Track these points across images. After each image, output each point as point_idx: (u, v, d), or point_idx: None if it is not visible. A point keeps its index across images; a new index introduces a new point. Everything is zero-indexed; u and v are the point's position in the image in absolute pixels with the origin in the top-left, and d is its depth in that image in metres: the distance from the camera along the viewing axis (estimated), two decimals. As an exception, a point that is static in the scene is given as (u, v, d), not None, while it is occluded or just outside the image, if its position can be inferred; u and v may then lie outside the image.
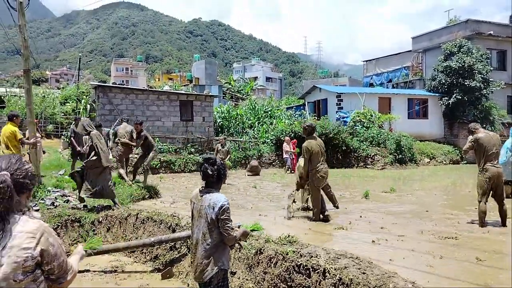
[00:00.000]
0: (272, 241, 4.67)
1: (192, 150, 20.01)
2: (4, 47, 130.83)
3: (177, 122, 21.08)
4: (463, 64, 25.23)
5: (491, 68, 26.28)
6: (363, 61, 40.46)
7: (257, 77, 76.86)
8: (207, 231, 3.09)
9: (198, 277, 3.15)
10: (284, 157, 18.20)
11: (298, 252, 4.15)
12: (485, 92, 25.62)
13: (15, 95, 28.91)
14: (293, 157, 17.60)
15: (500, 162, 6.60)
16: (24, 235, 1.80)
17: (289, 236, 4.65)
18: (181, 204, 8.80)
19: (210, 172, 3.16)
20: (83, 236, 7.23)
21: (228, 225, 3.09)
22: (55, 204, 7.98)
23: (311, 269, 3.89)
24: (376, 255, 4.79)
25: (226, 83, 51.33)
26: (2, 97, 28.46)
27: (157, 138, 19.88)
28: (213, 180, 3.19)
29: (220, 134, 23.05)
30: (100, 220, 7.40)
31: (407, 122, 25.84)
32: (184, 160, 18.81)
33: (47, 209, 7.63)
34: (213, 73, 59.42)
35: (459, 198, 10.12)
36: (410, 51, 33.21)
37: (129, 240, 6.82)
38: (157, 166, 18.00)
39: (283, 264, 4.16)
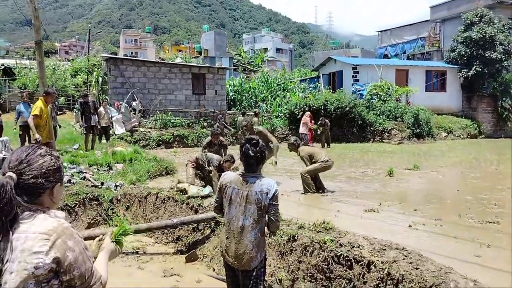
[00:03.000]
0: (306, 227, 4.36)
1: (205, 124, 19.69)
2: (13, 18, 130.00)
3: (190, 95, 20.70)
4: (484, 34, 24.34)
5: (513, 39, 25.31)
6: (378, 32, 39.28)
7: (267, 48, 75.47)
8: (258, 217, 2.96)
9: (245, 265, 2.97)
10: (300, 132, 17.00)
11: (337, 241, 3.84)
12: (506, 64, 24.85)
13: (25, 67, 28.60)
14: (308, 132, 16.83)
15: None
16: (37, 236, 1.49)
17: (324, 222, 4.34)
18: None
19: (252, 154, 2.99)
20: (102, 215, 7.03)
21: (278, 211, 3.03)
22: (71, 181, 7.75)
23: (353, 261, 3.59)
24: (415, 242, 4.47)
25: (236, 54, 50.34)
26: (13, 69, 28.16)
27: (170, 112, 19.58)
28: (254, 163, 3.02)
29: (233, 108, 22.67)
30: (118, 198, 7.18)
31: (424, 95, 25.19)
32: (197, 134, 18.55)
33: (64, 186, 7.41)
34: (223, 44, 58.35)
35: (487, 176, 9.71)
36: (427, 21, 32.12)
37: (149, 220, 6.60)
38: (171, 140, 17.78)
39: (321, 253, 3.86)
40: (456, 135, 23.94)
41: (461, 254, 4.12)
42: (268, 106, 23.22)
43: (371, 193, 7.64)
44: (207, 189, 6.23)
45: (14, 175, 1.57)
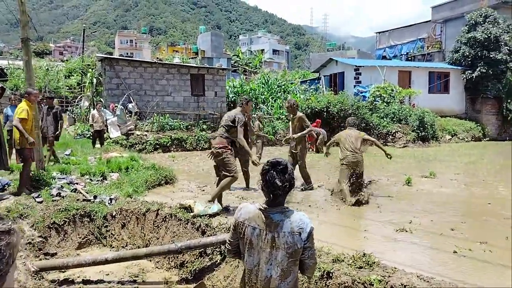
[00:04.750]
0: (343, 260, 3.61)
1: (204, 127, 18.94)
2: (7, 19, 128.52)
3: (188, 97, 19.91)
4: (489, 35, 23.85)
5: (519, 40, 24.79)
6: (376, 33, 38.87)
7: (263, 49, 74.83)
8: (288, 266, 2.22)
9: None
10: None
11: (387, 282, 3.10)
12: (511, 65, 24.27)
13: (18, 68, 27.71)
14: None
15: None
16: None
17: (365, 255, 3.59)
18: (203, 196, 7.67)
19: (279, 184, 2.22)
20: (95, 234, 6.25)
21: (315, 253, 2.33)
22: (61, 194, 6.96)
23: (410, 310, 2.85)
24: (471, 276, 3.74)
25: (234, 55, 49.59)
26: (5, 70, 27.27)
27: (167, 115, 18.79)
28: (281, 194, 2.26)
29: (233, 110, 21.86)
30: (113, 214, 6.40)
31: (427, 97, 24.60)
32: (196, 137, 17.77)
33: (52, 200, 6.62)
34: (219, 45, 57.86)
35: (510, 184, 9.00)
36: (427, 21, 31.69)
37: (148, 241, 5.83)
38: (168, 144, 16.98)
39: (366, 297, 3.12)
40: (461, 138, 23.33)
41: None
42: (269, 108, 22.48)
43: (394, 206, 6.90)
44: (215, 207, 5.47)
45: None
